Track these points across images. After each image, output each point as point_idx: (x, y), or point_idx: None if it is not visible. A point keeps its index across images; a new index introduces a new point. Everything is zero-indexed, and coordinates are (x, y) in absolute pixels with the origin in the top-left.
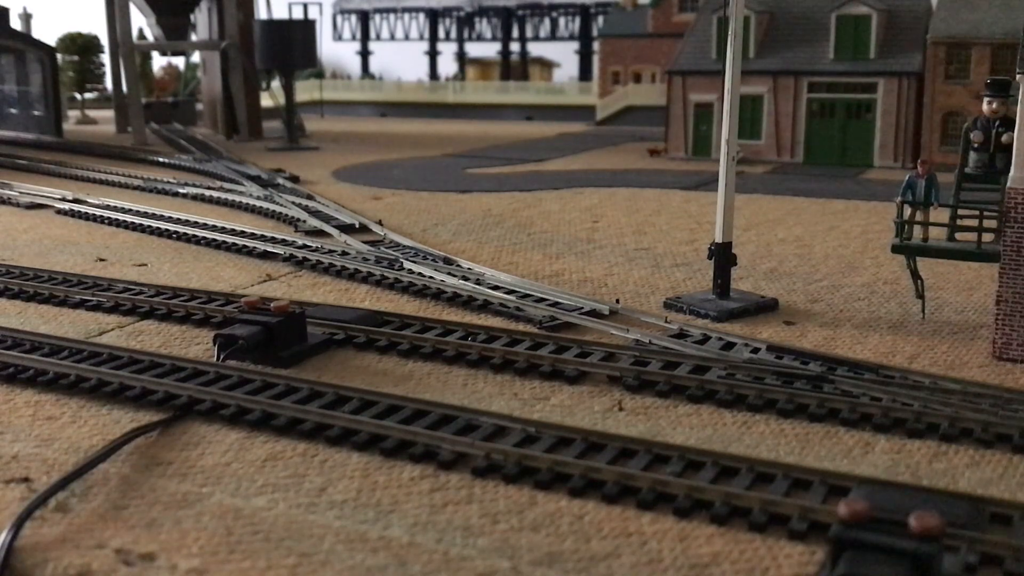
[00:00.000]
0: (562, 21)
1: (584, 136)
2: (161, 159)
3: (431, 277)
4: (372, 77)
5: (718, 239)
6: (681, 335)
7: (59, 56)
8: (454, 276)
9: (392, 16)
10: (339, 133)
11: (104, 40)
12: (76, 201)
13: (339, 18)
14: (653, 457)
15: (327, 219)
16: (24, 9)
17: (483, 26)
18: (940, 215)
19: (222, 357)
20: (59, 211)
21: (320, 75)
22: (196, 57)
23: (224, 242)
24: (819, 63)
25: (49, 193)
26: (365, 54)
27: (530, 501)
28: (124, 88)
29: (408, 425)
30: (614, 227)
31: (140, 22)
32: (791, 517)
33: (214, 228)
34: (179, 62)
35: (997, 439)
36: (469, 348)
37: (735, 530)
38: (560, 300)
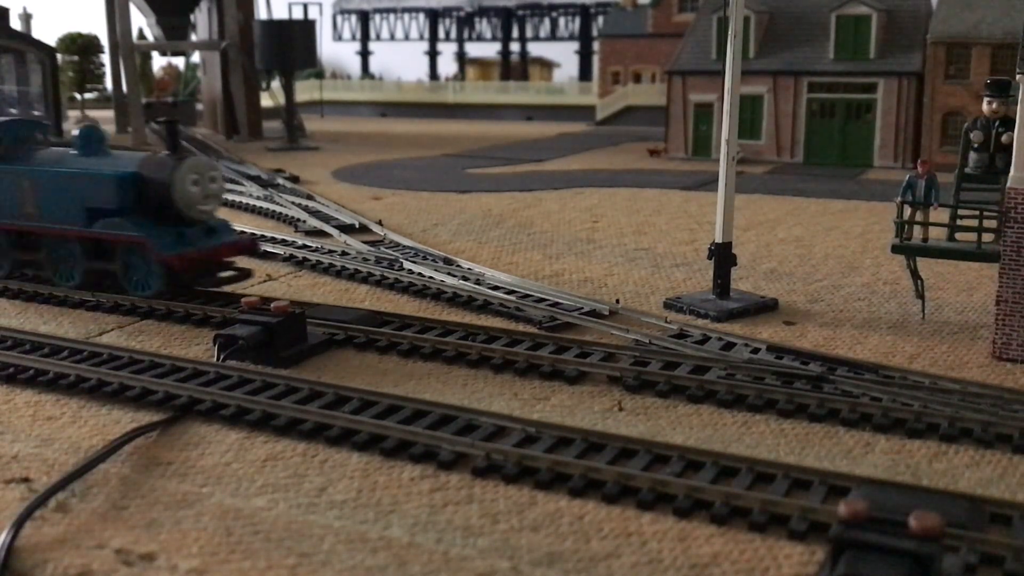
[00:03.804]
0: (562, 21)
1: (584, 136)
2: None
3: (431, 277)
4: (372, 77)
5: (718, 239)
6: (681, 335)
7: (59, 56)
8: (454, 276)
9: (392, 16)
10: (339, 133)
11: (104, 40)
12: None
13: (339, 18)
14: (653, 457)
15: (327, 219)
16: (24, 9)
17: (483, 26)
18: (940, 215)
19: (222, 357)
20: None
21: (320, 75)
22: (196, 57)
23: None
24: (819, 63)
25: None
26: (365, 54)
27: (530, 501)
28: (124, 88)
29: (408, 425)
30: (614, 227)
31: (140, 22)
32: (791, 517)
33: None
34: (179, 62)
35: (997, 439)
36: (469, 348)
37: (735, 530)
38: (560, 300)
